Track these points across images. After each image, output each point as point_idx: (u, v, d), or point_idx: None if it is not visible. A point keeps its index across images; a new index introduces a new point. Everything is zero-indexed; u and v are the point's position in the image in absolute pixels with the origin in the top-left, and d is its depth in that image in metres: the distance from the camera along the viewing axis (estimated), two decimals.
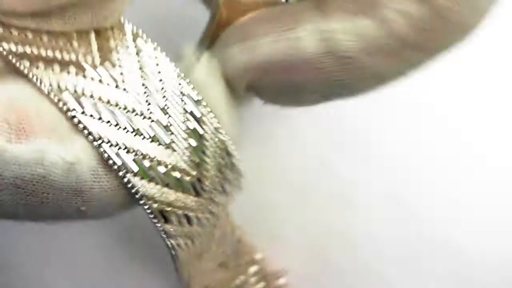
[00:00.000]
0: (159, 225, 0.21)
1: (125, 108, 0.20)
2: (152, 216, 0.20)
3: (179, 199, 0.21)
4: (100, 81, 0.20)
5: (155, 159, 0.20)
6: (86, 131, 0.20)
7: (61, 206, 0.19)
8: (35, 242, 0.29)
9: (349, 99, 0.22)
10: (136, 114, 0.20)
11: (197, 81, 0.21)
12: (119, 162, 0.20)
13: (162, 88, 0.21)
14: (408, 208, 0.31)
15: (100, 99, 0.20)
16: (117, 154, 0.20)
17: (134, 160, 0.20)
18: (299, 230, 0.30)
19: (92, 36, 0.21)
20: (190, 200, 0.21)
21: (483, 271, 0.30)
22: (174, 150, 0.21)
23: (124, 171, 0.20)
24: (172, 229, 0.21)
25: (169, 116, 0.21)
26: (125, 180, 0.20)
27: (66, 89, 0.20)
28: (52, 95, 0.20)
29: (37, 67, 0.20)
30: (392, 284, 0.30)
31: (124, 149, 0.20)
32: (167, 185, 0.20)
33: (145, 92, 0.21)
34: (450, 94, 0.31)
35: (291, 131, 0.31)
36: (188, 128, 0.21)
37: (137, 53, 0.21)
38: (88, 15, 0.20)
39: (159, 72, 0.21)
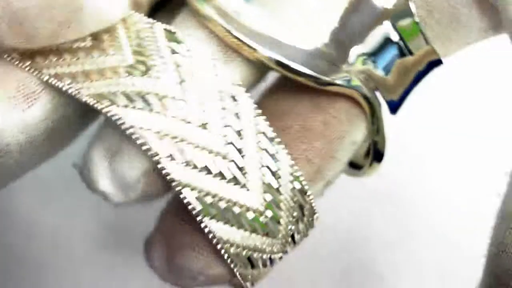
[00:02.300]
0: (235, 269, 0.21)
1: (203, 148, 0.20)
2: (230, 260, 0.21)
3: (252, 240, 0.21)
4: (183, 119, 0.20)
5: (231, 201, 0.20)
6: (167, 176, 0.20)
7: None
8: (35, 243, 0.29)
9: None
10: (216, 154, 0.20)
11: None
12: (198, 207, 0.20)
13: (241, 129, 0.21)
14: (405, 206, 0.31)
15: (182, 140, 0.20)
16: (197, 198, 0.20)
17: (211, 203, 0.20)
18: None
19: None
20: (263, 240, 0.21)
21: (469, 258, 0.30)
22: (248, 190, 0.20)
23: (202, 215, 0.20)
24: (248, 273, 0.21)
25: (244, 155, 0.20)
26: (203, 224, 0.20)
27: (148, 129, 0.20)
28: (133, 136, 0.20)
29: (117, 105, 0.20)
30: (391, 285, 0.31)
31: (200, 192, 0.20)
32: (242, 227, 0.20)
33: (224, 131, 0.20)
34: (449, 91, 0.31)
35: None
36: (262, 166, 0.21)
37: (219, 91, 0.21)
38: None
39: (237, 111, 0.21)
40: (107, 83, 0.20)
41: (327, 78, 0.22)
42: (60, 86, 0.20)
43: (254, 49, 0.21)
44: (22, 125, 0.20)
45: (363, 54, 0.22)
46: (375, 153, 0.23)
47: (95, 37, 0.20)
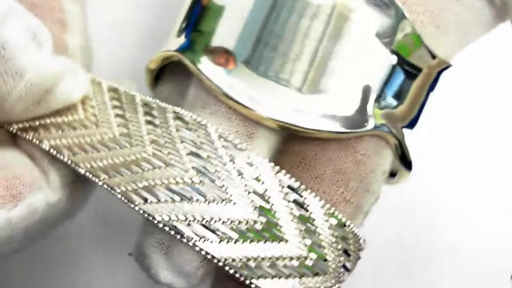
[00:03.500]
0: None
1: (233, 221, 0.22)
2: None
3: (304, 284, 0.22)
4: (206, 200, 0.22)
5: (273, 257, 0.22)
6: (209, 256, 0.21)
7: None
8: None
9: None
10: (247, 222, 0.22)
11: None
12: (244, 273, 0.21)
13: (265, 190, 0.22)
14: (411, 211, 0.31)
15: (211, 219, 0.21)
16: (241, 267, 0.21)
17: (256, 266, 0.21)
18: None
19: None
20: (316, 280, 0.22)
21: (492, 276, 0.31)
22: (287, 241, 0.22)
23: (249, 278, 0.21)
24: None
25: (275, 212, 0.22)
26: (253, 286, 0.21)
27: (178, 219, 0.21)
28: (165, 228, 0.21)
29: (149, 202, 0.22)
30: None
31: (242, 260, 0.21)
32: (291, 276, 0.22)
33: (250, 198, 0.22)
34: (452, 95, 0.31)
35: None
36: (295, 216, 0.22)
37: (231, 161, 0.22)
38: None
39: (256, 175, 0.22)
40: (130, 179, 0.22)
41: (352, 130, 0.22)
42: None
43: (277, 120, 0.22)
44: (5, 223, 0.21)
45: (376, 97, 0.23)
46: (403, 163, 0.24)
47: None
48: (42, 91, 0.21)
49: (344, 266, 0.23)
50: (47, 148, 0.22)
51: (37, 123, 0.23)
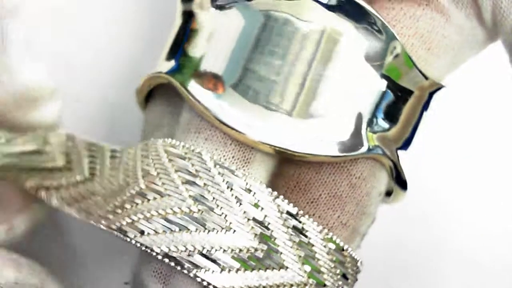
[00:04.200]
0: None
1: (233, 250, 0.21)
2: None
3: None
4: (205, 229, 0.21)
5: (274, 285, 0.21)
6: (211, 286, 0.21)
7: None
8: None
9: None
10: (248, 250, 0.21)
11: None
12: None
13: (265, 216, 0.22)
14: (410, 212, 0.32)
15: (211, 249, 0.21)
16: None
17: None
18: None
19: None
20: None
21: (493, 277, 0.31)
22: (287, 268, 0.22)
23: None
24: None
25: (276, 238, 0.22)
26: None
27: (177, 249, 0.21)
28: (165, 259, 0.21)
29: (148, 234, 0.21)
30: None
31: None
32: None
33: (249, 225, 0.21)
34: (451, 96, 0.31)
35: None
36: (294, 242, 0.22)
37: (229, 188, 0.22)
38: None
39: (255, 201, 0.22)
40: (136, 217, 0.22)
41: (346, 154, 0.22)
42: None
43: (272, 145, 0.22)
44: None
45: (368, 120, 0.23)
46: (399, 183, 0.24)
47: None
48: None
49: None
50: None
51: None
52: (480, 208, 0.32)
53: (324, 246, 0.22)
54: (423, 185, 0.31)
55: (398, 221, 0.31)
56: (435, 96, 0.24)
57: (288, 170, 0.23)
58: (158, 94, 0.25)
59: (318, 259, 0.22)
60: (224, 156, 0.22)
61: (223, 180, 0.22)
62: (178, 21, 0.24)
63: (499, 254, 0.31)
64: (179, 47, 0.23)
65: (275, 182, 0.23)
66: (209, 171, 0.22)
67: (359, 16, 0.22)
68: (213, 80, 0.22)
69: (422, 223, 0.32)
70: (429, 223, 0.32)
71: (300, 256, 0.22)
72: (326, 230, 0.22)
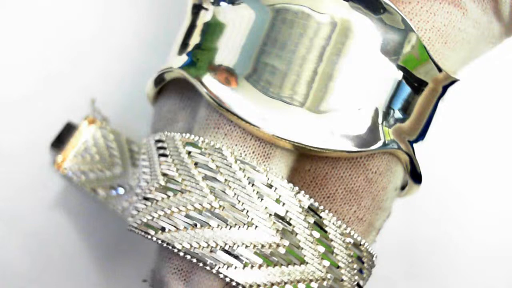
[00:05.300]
0: None
1: (256, 246, 0.21)
2: None
3: None
4: (227, 225, 0.21)
5: (295, 280, 0.21)
6: (233, 282, 0.21)
7: None
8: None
9: None
10: (270, 246, 0.21)
11: None
12: None
13: (286, 211, 0.22)
14: (419, 213, 0.32)
15: (233, 245, 0.21)
16: None
17: None
18: None
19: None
20: None
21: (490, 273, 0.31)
22: (307, 263, 0.22)
23: None
24: None
25: (297, 233, 0.21)
26: None
27: (199, 246, 0.21)
28: (187, 256, 0.21)
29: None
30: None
31: (266, 285, 0.21)
32: None
33: (271, 221, 0.21)
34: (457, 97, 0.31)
35: None
36: (314, 237, 0.22)
37: (250, 183, 0.21)
38: None
39: (277, 197, 0.22)
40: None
41: (363, 149, 0.22)
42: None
43: (291, 141, 0.22)
44: None
45: (384, 113, 0.22)
46: (413, 177, 0.24)
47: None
48: None
49: (358, 285, 0.23)
50: None
51: None
52: (492, 203, 0.32)
53: (343, 241, 0.22)
54: (437, 178, 0.31)
55: (405, 221, 0.31)
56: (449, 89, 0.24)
57: (304, 165, 0.23)
58: (169, 89, 0.25)
59: (337, 254, 0.22)
60: (244, 151, 0.22)
61: (244, 176, 0.21)
62: (188, 16, 0.24)
63: (504, 254, 0.31)
64: (190, 41, 0.23)
65: (290, 178, 0.23)
66: (230, 166, 0.21)
67: (375, 8, 0.22)
68: (225, 74, 0.22)
69: (435, 217, 0.32)
70: (441, 216, 0.32)
71: (319, 252, 0.22)
72: (344, 225, 0.22)
